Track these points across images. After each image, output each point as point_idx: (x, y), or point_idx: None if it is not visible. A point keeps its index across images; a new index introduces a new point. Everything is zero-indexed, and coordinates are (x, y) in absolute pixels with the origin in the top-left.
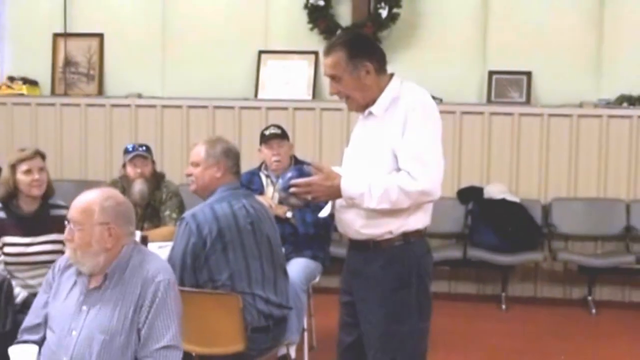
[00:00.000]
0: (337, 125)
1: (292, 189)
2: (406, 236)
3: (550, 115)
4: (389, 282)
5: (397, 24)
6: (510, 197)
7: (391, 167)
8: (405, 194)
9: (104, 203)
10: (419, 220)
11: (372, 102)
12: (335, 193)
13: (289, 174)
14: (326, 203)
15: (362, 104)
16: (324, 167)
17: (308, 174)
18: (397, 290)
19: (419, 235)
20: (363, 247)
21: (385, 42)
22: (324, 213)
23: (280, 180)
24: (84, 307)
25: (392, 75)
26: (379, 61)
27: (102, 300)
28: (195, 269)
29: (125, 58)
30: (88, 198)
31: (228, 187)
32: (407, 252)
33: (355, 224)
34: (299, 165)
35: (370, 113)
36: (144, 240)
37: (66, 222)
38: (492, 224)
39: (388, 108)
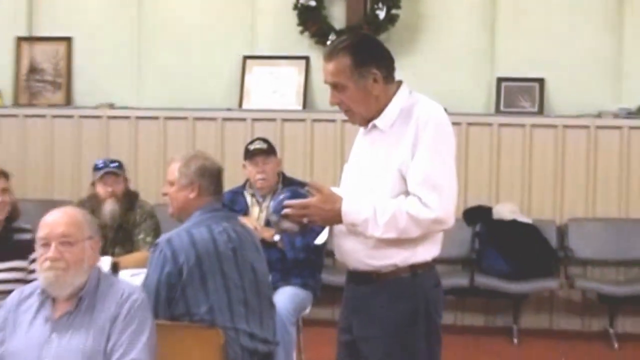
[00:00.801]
0: (331, 139)
1: (285, 210)
2: (414, 268)
3: (566, 126)
4: (394, 320)
5: (396, 26)
6: (522, 218)
7: (398, 190)
8: (415, 222)
9: (86, 216)
10: (428, 251)
11: (377, 113)
12: (335, 218)
13: (282, 196)
14: (322, 228)
15: (367, 117)
16: (324, 188)
17: (304, 197)
18: (403, 328)
19: (427, 267)
20: (365, 279)
21: None
22: (320, 240)
23: (272, 203)
24: (54, 335)
25: (399, 83)
26: (388, 68)
27: (72, 326)
28: (171, 301)
29: (95, 64)
30: (69, 212)
31: (206, 210)
32: (415, 286)
33: (357, 253)
34: (293, 187)
35: (375, 126)
36: (115, 267)
37: (41, 244)
38: (502, 247)
39: (395, 122)
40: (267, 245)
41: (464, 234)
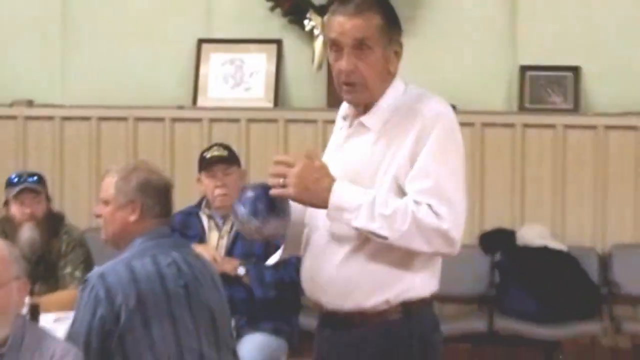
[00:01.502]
0: (309, 143)
1: (271, 180)
2: (407, 307)
3: (608, 127)
4: None
5: (392, 1)
6: (554, 244)
7: None
8: (419, 228)
9: (11, 249)
10: (426, 284)
11: (371, 104)
12: (319, 193)
13: (250, 192)
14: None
15: (373, 99)
16: (320, 159)
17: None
18: None
19: (424, 305)
20: (345, 323)
21: None
22: (271, 260)
23: (240, 208)
24: None
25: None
26: (402, 46)
27: None
28: (105, 354)
29: (9, 53)
30: None
31: (151, 236)
32: (409, 331)
33: (333, 285)
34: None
35: (361, 124)
36: (34, 311)
37: None
38: (529, 282)
39: (388, 120)
40: (229, 280)
41: (481, 264)
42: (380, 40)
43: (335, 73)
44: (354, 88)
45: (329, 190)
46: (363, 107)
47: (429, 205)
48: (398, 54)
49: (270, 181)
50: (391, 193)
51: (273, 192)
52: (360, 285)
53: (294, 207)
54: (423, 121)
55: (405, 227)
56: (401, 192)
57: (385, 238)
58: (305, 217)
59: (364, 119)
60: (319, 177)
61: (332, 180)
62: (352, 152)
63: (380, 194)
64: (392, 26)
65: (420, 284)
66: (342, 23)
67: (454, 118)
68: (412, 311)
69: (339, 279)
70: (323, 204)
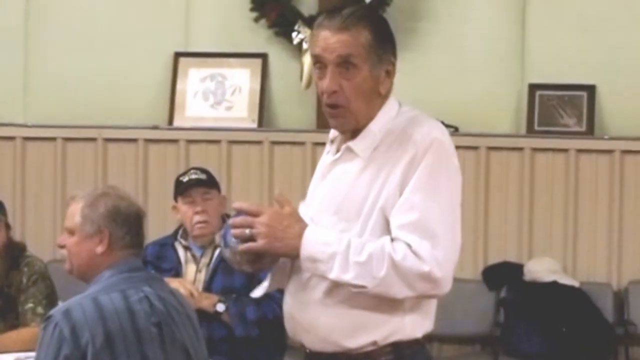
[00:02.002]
0: (297, 168)
1: (232, 220)
2: (398, 348)
3: (624, 151)
4: None
5: (388, 11)
6: (565, 280)
7: (378, 238)
8: (398, 272)
9: None
10: (417, 325)
11: (360, 128)
12: (290, 243)
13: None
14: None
15: (358, 124)
16: (290, 204)
17: None
18: None
19: (416, 347)
20: None
21: None
22: (257, 292)
23: (224, 236)
24: None
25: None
26: (395, 65)
27: None
28: None
29: None
30: None
31: (120, 269)
32: None
33: (317, 325)
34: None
35: (349, 150)
36: None
37: None
38: (537, 320)
39: (379, 146)
40: (208, 318)
41: (485, 301)
42: (368, 58)
43: (319, 93)
44: (337, 112)
45: (299, 238)
46: (351, 130)
47: (408, 245)
48: (390, 74)
49: (234, 232)
50: (377, 227)
51: (242, 247)
52: (344, 325)
53: None
54: (415, 148)
55: (382, 273)
56: (388, 225)
57: (363, 287)
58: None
59: (352, 143)
60: (288, 225)
61: (302, 227)
62: (338, 180)
63: (354, 239)
64: (383, 43)
65: (410, 324)
66: (327, 38)
67: (449, 144)
68: (404, 353)
69: (320, 317)
70: (295, 254)
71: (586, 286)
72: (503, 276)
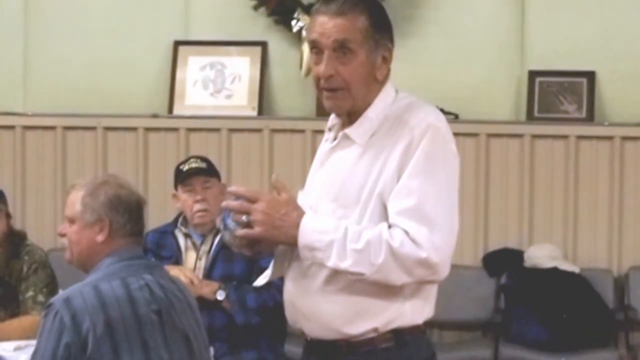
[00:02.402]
0: (297, 156)
1: (225, 203)
2: (399, 334)
3: (625, 138)
4: None
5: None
6: (565, 266)
7: (377, 224)
8: (396, 259)
9: None
10: (419, 311)
11: (357, 114)
12: (286, 231)
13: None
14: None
15: (357, 108)
16: (288, 192)
17: None
18: None
19: (418, 333)
20: (331, 352)
21: None
22: (259, 281)
23: (225, 218)
24: None
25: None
26: (392, 52)
27: None
28: None
29: None
30: None
31: (121, 257)
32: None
33: (318, 312)
34: None
35: (346, 137)
36: None
37: None
38: (538, 307)
39: (376, 132)
40: (208, 305)
41: (485, 288)
42: (365, 43)
43: (314, 78)
44: (334, 94)
45: (297, 226)
46: (349, 117)
47: (406, 231)
48: (387, 60)
49: (234, 217)
50: (375, 213)
51: (239, 233)
52: (344, 312)
53: None
54: (411, 134)
55: (380, 259)
56: (386, 211)
57: (361, 274)
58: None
59: (349, 130)
60: (286, 213)
61: (299, 215)
62: (336, 167)
63: (352, 226)
64: (380, 28)
65: (411, 310)
66: (323, 23)
67: (445, 129)
68: (405, 339)
69: (320, 305)
70: (292, 242)
71: (586, 272)
72: (503, 262)
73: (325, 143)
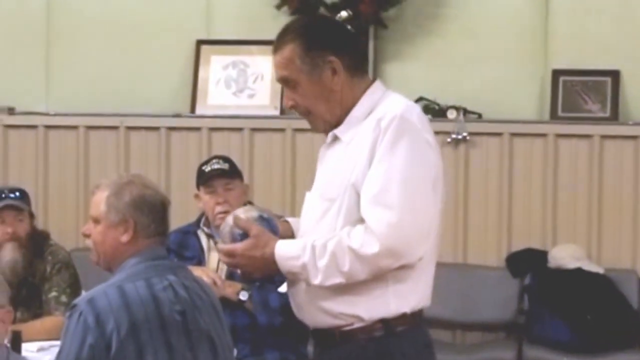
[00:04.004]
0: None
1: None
2: (387, 324)
3: None
4: None
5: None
6: (590, 266)
7: (355, 215)
8: (359, 260)
9: None
10: (403, 299)
11: (342, 117)
12: (269, 266)
13: (229, 222)
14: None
15: (330, 121)
16: (252, 227)
17: (273, 227)
18: None
19: (409, 322)
20: (326, 340)
21: (394, 27)
22: (284, 287)
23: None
24: None
25: (372, 81)
26: (352, 56)
27: None
28: None
29: None
30: None
31: (145, 257)
32: (394, 351)
33: (306, 304)
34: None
35: (336, 138)
36: (16, 339)
37: None
38: (562, 308)
39: (360, 130)
40: (231, 306)
41: (508, 288)
42: (301, 71)
43: None
44: (307, 118)
45: (274, 261)
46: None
47: (366, 226)
48: (336, 70)
49: (229, 289)
50: (352, 203)
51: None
52: (328, 302)
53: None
54: (379, 126)
55: (346, 267)
56: None
57: (338, 284)
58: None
59: (338, 131)
60: (262, 254)
61: (271, 248)
62: (327, 165)
63: (318, 241)
64: (313, 48)
65: (395, 297)
66: (273, 61)
67: (415, 120)
68: (394, 328)
69: (308, 297)
70: (278, 272)
71: (611, 273)
72: (527, 263)
73: (325, 143)
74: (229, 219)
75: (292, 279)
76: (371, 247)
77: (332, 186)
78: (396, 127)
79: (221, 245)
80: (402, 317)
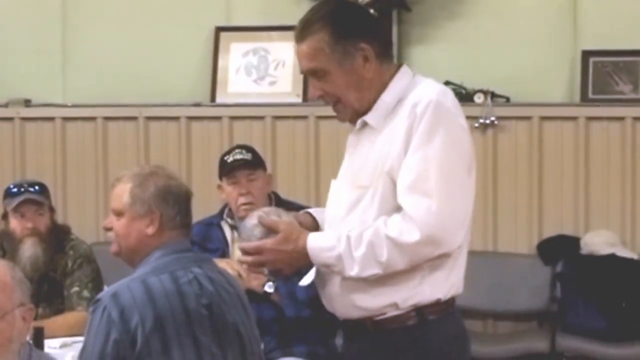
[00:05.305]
0: (343, 142)
1: (240, 257)
2: (421, 312)
3: None
4: None
5: None
6: (624, 252)
7: (390, 204)
8: (399, 249)
9: (15, 272)
10: (438, 286)
11: (371, 105)
12: (301, 260)
13: (252, 221)
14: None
15: (360, 110)
16: (280, 224)
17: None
18: None
19: (442, 311)
20: (358, 331)
21: (418, 10)
22: (305, 280)
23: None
24: None
25: (399, 66)
26: (381, 42)
27: None
28: None
29: (3, 46)
30: None
31: (170, 250)
32: (425, 338)
33: (343, 294)
34: (276, 208)
35: (365, 124)
36: (38, 336)
37: None
38: (595, 295)
39: (390, 115)
40: (257, 298)
41: (540, 276)
42: (332, 60)
43: None
44: (334, 108)
45: (306, 254)
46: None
47: (403, 213)
48: (368, 58)
49: (254, 274)
50: (387, 191)
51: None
52: (363, 293)
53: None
54: (413, 112)
55: (384, 257)
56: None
57: (374, 275)
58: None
59: (367, 117)
60: (293, 248)
61: (303, 240)
62: (357, 152)
63: (354, 231)
64: (344, 35)
65: (430, 285)
66: (296, 50)
67: (450, 105)
68: (428, 316)
69: (341, 288)
70: (311, 264)
71: None
72: (559, 250)
73: (354, 131)
74: (252, 218)
75: (325, 271)
76: (411, 235)
77: (365, 174)
78: (432, 113)
79: (245, 244)
80: (436, 304)
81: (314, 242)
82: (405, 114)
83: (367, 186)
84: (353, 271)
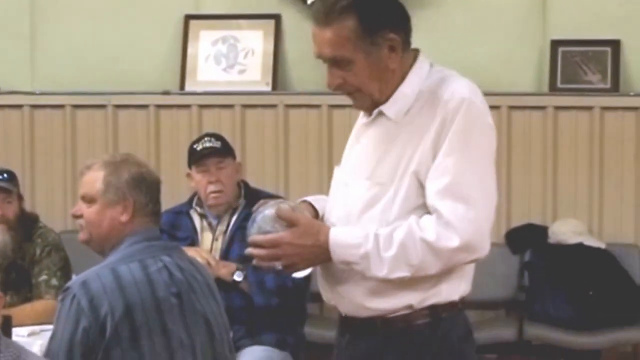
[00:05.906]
0: (313, 132)
1: (249, 250)
2: (434, 311)
3: None
4: None
5: None
6: (591, 241)
7: (413, 203)
8: (434, 253)
9: None
10: (455, 288)
11: (388, 97)
12: (321, 256)
13: (265, 212)
14: None
15: (379, 100)
16: (300, 217)
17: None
18: None
19: (454, 310)
20: (366, 329)
21: None
22: (300, 273)
23: (251, 222)
24: None
25: (415, 52)
26: (406, 31)
27: None
28: None
29: None
30: None
31: (140, 238)
32: (438, 337)
33: (355, 292)
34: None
35: (382, 114)
36: (6, 324)
37: None
38: (563, 284)
39: (412, 108)
40: (226, 287)
41: (508, 265)
42: (358, 48)
43: None
44: (352, 97)
45: (327, 250)
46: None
47: (439, 216)
48: (395, 48)
49: (266, 268)
50: (411, 191)
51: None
52: (379, 289)
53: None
54: (444, 109)
55: (417, 259)
56: (422, 191)
57: (402, 277)
58: (323, 216)
59: (384, 107)
60: (313, 242)
61: (325, 235)
62: (372, 144)
63: (382, 231)
64: (373, 24)
65: (447, 287)
66: (316, 35)
67: (481, 104)
68: (441, 317)
69: (355, 285)
70: (329, 260)
71: (613, 247)
72: (527, 239)
73: (362, 118)
74: (269, 209)
75: (347, 268)
76: (450, 241)
77: (384, 170)
78: (466, 113)
79: (260, 237)
80: (450, 305)
81: (338, 237)
82: (433, 111)
83: (386, 183)
84: (381, 272)
